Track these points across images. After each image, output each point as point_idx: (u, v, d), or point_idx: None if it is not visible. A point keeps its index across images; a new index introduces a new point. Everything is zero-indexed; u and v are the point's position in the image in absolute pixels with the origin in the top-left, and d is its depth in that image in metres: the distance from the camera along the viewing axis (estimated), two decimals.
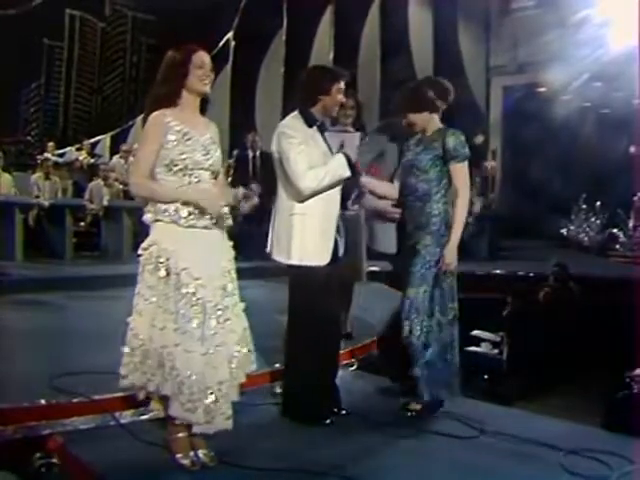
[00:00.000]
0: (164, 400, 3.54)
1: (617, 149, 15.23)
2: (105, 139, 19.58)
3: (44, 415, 3.99)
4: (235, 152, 12.50)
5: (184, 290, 3.43)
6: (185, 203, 3.49)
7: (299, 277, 4.32)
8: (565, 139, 15.40)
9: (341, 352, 5.43)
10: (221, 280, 3.57)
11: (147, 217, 3.57)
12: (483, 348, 8.36)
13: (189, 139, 3.53)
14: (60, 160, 15.78)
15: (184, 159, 3.50)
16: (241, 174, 11.40)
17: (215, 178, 3.68)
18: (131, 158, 15.71)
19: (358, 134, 5.60)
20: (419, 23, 18.54)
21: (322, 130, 4.45)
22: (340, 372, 5.03)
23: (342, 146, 4.39)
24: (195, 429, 3.50)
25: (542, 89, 16.72)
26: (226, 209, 3.65)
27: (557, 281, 9.44)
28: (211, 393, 3.44)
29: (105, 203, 12.35)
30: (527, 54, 16.45)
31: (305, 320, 4.29)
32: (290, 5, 19.20)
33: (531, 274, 10.52)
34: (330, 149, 4.42)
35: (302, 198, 4.24)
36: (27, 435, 3.84)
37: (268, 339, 4.73)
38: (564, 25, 14.97)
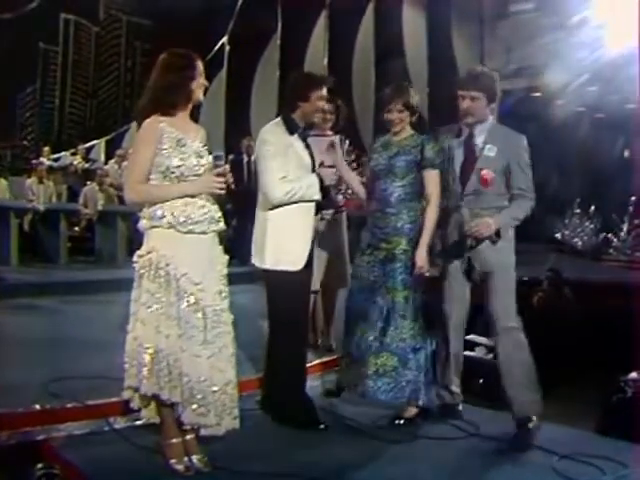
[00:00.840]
0: (163, 407, 3.54)
1: (612, 153, 15.28)
2: (100, 143, 19.57)
3: (38, 420, 3.98)
4: (230, 157, 12.49)
5: (185, 296, 3.45)
6: (182, 209, 3.48)
7: (274, 281, 4.34)
8: (559, 143, 15.43)
9: (330, 359, 5.47)
10: (218, 284, 3.60)
11: (143, 224, 3.56)
12: (477, 352, 8.36)
13: (183, 145, 3.52)
14: (55, 164, 15.76)
15: (179, 166, 3.50)
16: (236, 179, 11.39)
17: None
18: (125, 163, 15.74)
19: (337, 137, 5.46)
20: (413, 27, 18.59)
21: (304, 137, 4.46)
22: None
23: (321, 164, 4.44)
24: (204, 432, 3.53)
25: (537, 93, 16.76)
26: (219, 213, 3.65)
27: (551, 286, 9.44)
28: (220, 395, 3.49)
29: (99, 208, 12.33)
30: (521, 58, 16.48)
31: (279, 323, 4.32)
32: (285, 9, 19.23)
33: (525, 278, 10.51)
34: (312, 157, 4.45)
35: (271, 207, 4.28)
36: (21, 440, 3.83)
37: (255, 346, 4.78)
38: (561, 28, 14.98)
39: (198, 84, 3.60)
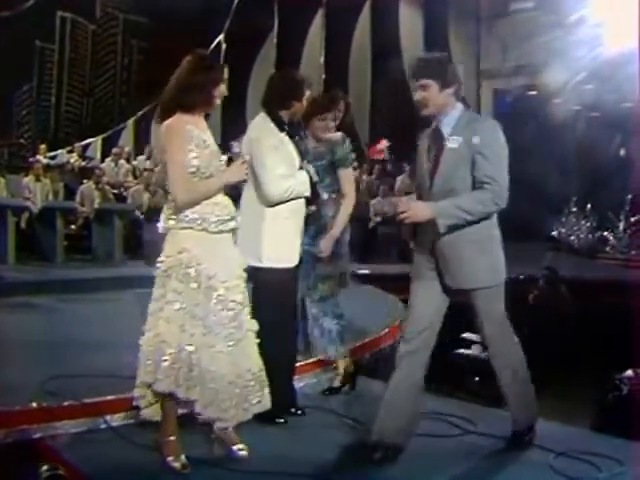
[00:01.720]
0: (167, 404, 3.56)
1: (608, 152, 15.32)
2: (96, 141, 19.55)
3: (35, 419, 3.98)
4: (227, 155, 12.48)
5: (215, 295, 3.52)
6: (211, 209, 3.55)
7: (268, 279, 4.32)
8: (556, 142, 15.45)
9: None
10: (239, 280, 3.68)
11: (169, 224, 3.59)
12: (473, 350, 8.39)
13: (207, 146, 3.60)
14: (51, 162, 15.75)
15: (207, 166, 3.57)
16: None
17: None
18: (122, 161, 15.74)
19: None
20: (410, 25, 18.60)
21: (291, 135, 4.47)
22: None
23: (305, 161, 4.45)
24: (219, 424, 3.60)
25: (533, 92, 16.79)
26: (234, 209, 3.72)
27: (547, 284, 9.47)
28: (245, 386, 3.58)
29: (96, 206, 12.33)
30: (518, 56, 16.50)
31: (267, 319, 4.30)
32: (281, 8, 19.22)
33: (521, 276, 10.55)
34: (302, 154, 4.48)
35: (268, 204, 4.29)
36: (18, 439, 3.84)
37: None
38: (559, 26, 14.99)
39: (220, 91, 3.66)
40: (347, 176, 4.81)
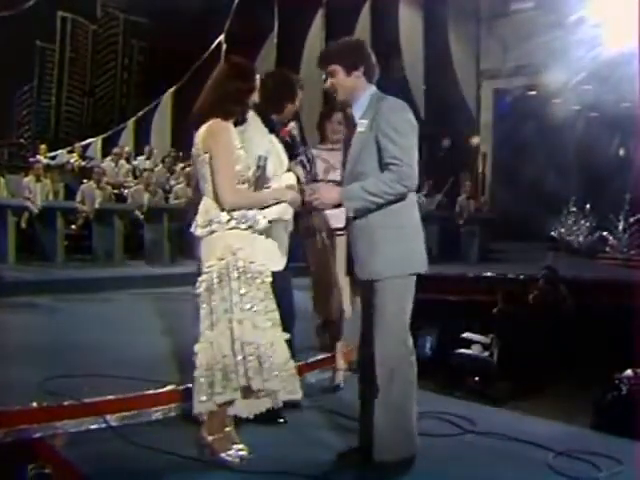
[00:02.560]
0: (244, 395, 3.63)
1: (608, 152, 15.32)
2: (96, 141, 19.55)
3: (35, 418, 3.98)
4: None
5: (266, 286, 3.64)
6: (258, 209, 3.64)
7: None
8: (556, 142, 15.46)
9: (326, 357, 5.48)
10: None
11: (214, 227, 3.59)
12: (474, 350, 8.40)
13: (243, 152, 3.66)
14: (52, 162, 15.76)
15: (246, 169, 3.64)
16: None
17: None
18: (122, 161, 15.74)
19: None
20: (410, 25, 18.59)
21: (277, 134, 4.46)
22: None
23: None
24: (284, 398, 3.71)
25: (533, 92, 16.80)
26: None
27: (547, 284, 9.47)
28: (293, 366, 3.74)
29: (96, 206, 12.33)
30: (518, 56, 16.49)
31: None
32: (282, 8, 19.23)
33: (521, 276, 10.55)
34: (290, 155, 4.47)
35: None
36: (18, 438, 3.84)
37: None
38: (559, 26, 14.99)
39: (252, 99, 3.74)
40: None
